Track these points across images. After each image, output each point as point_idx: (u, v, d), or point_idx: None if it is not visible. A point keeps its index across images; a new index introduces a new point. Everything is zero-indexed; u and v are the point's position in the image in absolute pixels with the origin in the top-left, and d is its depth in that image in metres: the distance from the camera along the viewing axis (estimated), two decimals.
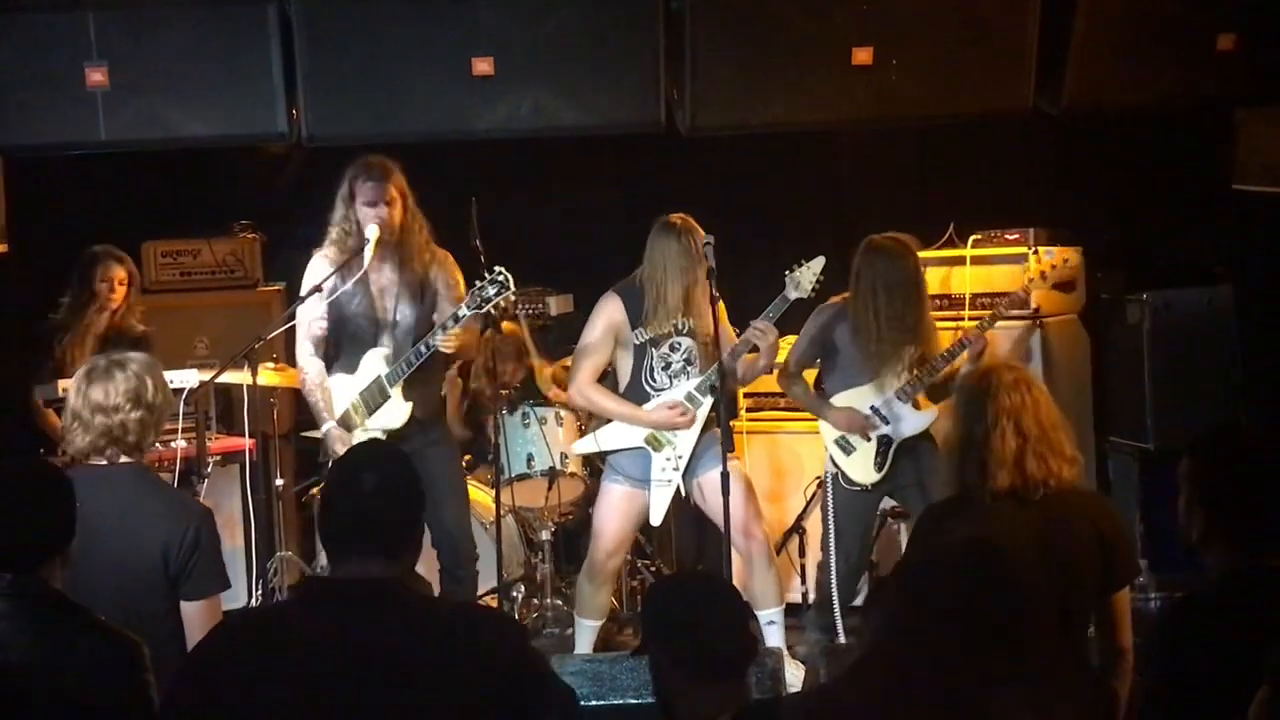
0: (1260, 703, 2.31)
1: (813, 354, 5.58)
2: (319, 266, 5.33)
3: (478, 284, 5.13)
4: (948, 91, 5.47)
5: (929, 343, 5.45)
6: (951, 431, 3.79)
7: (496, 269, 5.12)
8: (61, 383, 5.68)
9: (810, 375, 5.72)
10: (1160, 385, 6.45)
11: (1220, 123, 6.36)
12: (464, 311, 5.13)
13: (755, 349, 5.31)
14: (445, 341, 5.13)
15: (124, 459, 3.84)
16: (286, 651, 2.63)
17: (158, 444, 4.06)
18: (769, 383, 5.86)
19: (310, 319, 5.34)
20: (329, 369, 5.39)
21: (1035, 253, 6.18)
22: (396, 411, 5.29)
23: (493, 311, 5.38)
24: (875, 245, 5.38)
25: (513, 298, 5.38)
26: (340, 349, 5.39)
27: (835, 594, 5.44)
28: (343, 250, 5.28)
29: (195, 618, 3.74)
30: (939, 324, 5.73)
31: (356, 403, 5.32)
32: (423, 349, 5.18)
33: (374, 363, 5.31)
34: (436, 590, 5.37)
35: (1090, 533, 3.61)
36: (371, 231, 5.18)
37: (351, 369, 5.36)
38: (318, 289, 5.24)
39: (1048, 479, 3.57)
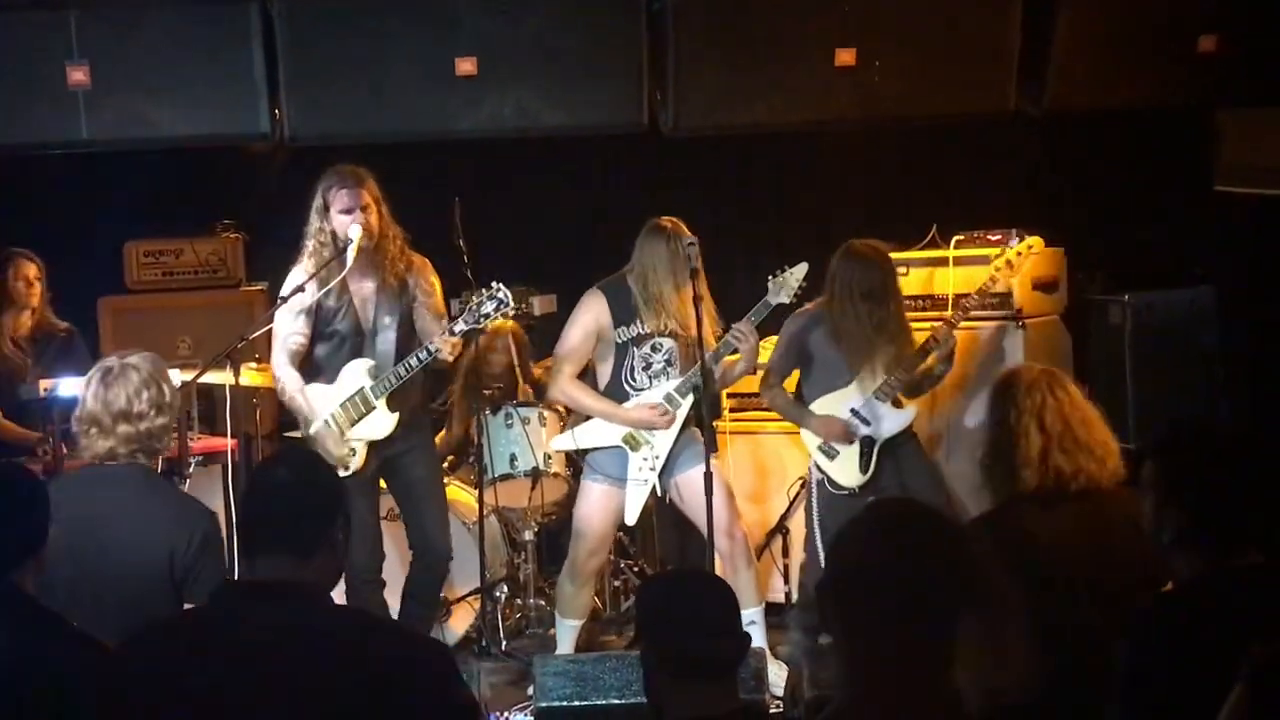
0: (1234, 703, 2.28)
1: (790, 362, 5.59)
2: (299, 278, 5.25)
3: (475, 300, 5.10)
4: (930, 93, 5.48)
5: (904, 343, 5.45)
6: (981, 444, 3.73)
7: (495, 285, 5.09)
8: (43, 383, 5.64)
9: (790, 383, 5.71)
10: (1142, 386, 6.46)
11: (1202, 124, 6.39)
12: (461, 326, 5.09)
13: (735, 351, 5.32)
14: (444, 349, 5.05)
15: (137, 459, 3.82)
16: (194, 657, 2.54)
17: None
18: (751, 383, 5.86)
19: (288, 333, 5.27)
20: (309, 380, 5.33)
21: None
22: (382, 422, 5.25)
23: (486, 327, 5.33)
24: (852, 251, 5.38)
25: (510, 314, 5.34)
26: (321, 361, 5.33)
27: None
28: (321, 261, 5.20)
29: None
30: (924, 324, 5.72)
31: (337, 413, 5.27)
32: (414, 361, 5.13)
33: (356, 374, 5.26)
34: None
35: (1129, 523, 3.43)
36: (355, 232, 5.12)
37: (330, 380, 5.31)
38: (300, 289, 5.19)
39: (1077, 474, 3.52)
